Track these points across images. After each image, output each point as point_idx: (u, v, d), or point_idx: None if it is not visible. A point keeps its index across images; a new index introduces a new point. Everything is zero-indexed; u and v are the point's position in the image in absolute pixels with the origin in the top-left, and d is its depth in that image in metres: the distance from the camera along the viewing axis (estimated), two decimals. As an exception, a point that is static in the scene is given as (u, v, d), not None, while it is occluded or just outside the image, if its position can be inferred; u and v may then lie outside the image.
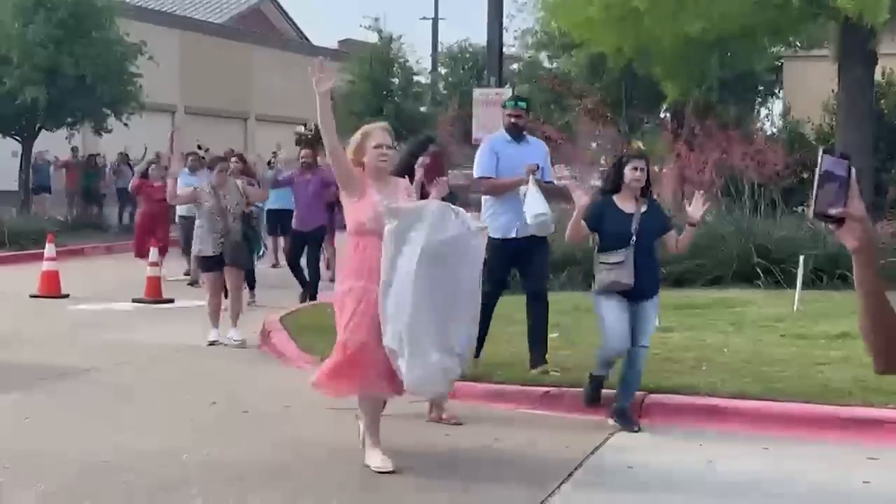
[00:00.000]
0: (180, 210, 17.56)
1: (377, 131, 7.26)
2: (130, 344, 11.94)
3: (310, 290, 15.01)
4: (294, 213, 15.29)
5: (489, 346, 10.59)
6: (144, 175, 18.18)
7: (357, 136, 7.27)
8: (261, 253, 12.59)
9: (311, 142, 16.40)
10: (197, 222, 12.16)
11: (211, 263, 12.01)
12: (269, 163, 18.50)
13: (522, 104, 9.92)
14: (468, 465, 7.22)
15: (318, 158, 14.90)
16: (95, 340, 12.17)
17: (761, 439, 7.87)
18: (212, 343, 11.85)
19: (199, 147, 19.49)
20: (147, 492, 6.60)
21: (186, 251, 17.14)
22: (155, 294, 15.43)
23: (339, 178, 7.17)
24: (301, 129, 17.16)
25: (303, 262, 15.11)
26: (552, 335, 10.94)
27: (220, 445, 7.68)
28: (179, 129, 16.61)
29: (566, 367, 9.48)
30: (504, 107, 10.02)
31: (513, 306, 12.96)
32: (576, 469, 7.18)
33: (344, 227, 7.49)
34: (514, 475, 7.00)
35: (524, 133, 9.90)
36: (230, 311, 12.06)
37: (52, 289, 15.88)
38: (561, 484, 6.86)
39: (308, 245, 15.16)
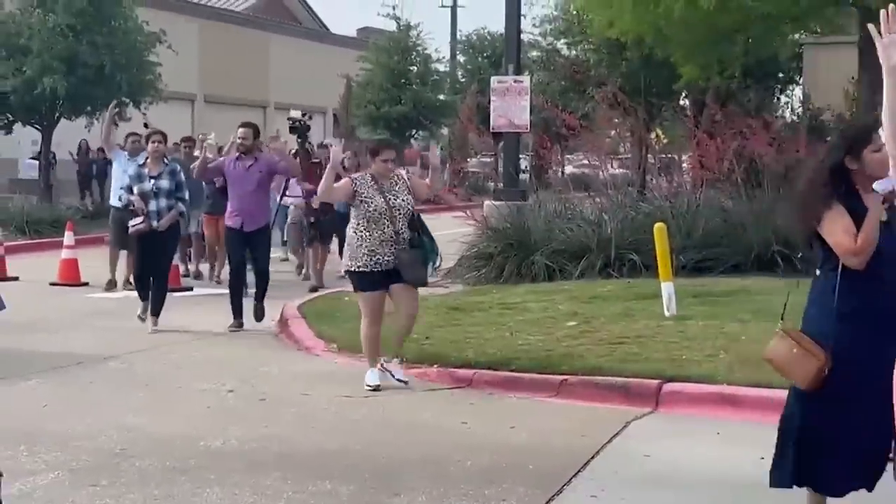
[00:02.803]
0: (114, 199, 15.06)
1: None
2: (148, 331, 11.96)
3: (240, 319, 12.17)
4: (230, 210, 12.25)
5: (501, 334, 10.61)
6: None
7: None
8: (437, 265, 9.50)
9: (303, 131, 14.82)
10: (353, 225, 9.18)
11: (374, 280, 9.08)
12: (220, 149, 15.79)
13: None
14: (486, 452, 7.21)
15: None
16: (113, 328, 12.22)
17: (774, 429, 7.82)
18: (375, 388, 9.04)
19: (146, 126, 15.33)
20: (163, 476, 6.63)
21: (116, 250, 15.28)
22: (173, 282, 15.42)
23: None
24: (297, 113, 14.89)
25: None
26: (570, 324, 10.95)
27: (238, 432, 7.70)
28: (120, 110, 14.82)
29: (581, 356, 9.45)
30: None
31: (525, 296, 12.97)
32: (592, 457, 7.17)
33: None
34: (530, 463, 6.98)
35: None
36: (393, 339, 9.44)
37: (71, 277, 15.93)
38: (578, 472, 6.85)
39: (253, 251, 12.21)
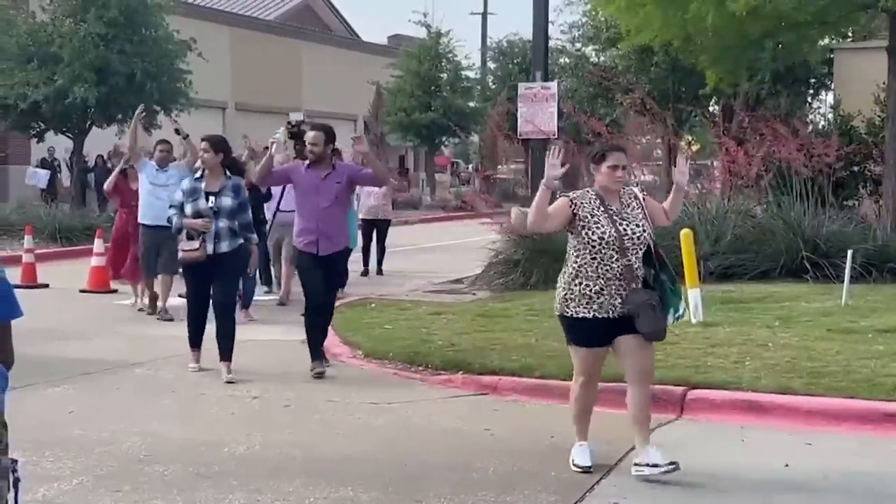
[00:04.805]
0: (144, 217, 13.34)
1: None
2: (175, 339, 11.97)
3: (320, 359, 10.18)
4: (299, 230, 10.17)
5: (527, 341, 10.60)
6: (124, 173, 14.28)
7: None
8: (680, 313, 7.14)
9: (299, 136, 13.88)
10: (570, 258, 6.96)
11: (593, 331, 6.89)
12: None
13: None
14: (509, 459, 7.20)
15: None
16: (141, 335, 12.28)
17: (805, 434, 7.79)
18: (585, 470, 6.95)
19: (178, 132, 13.66)
20: (186, 482, 6.66)
21: (151, 279, 13.62)
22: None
23: None
24: (297, 116, 13.27)
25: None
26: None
27: (262, 438, 7.73)
28: (147, 114, 13.01)
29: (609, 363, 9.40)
30: None
31: (552, 302, 12.96)
32: (616, 464, 7.15)
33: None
34: (553, 470, 6.97)
35: None
36: (633, 421, 6.96)
37: (100, 284, 16.02)
38: (601, 479, 6.83)
39: (329, 280, 10.26)
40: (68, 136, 28.46)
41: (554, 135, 18.66)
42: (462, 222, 29.79)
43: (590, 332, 6.87)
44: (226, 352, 9.97)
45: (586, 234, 6.85)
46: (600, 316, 6.81)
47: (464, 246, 21.21)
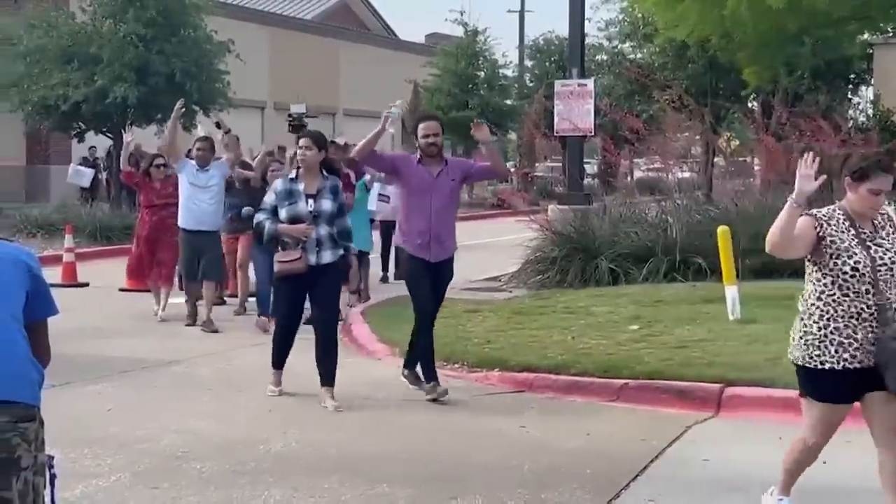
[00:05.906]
0: (186, 222, 12.67)
1: None
2: (213, 337, 12.07)
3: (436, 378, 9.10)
4: (408, 232, 9.09)
5: (563, 338, 10.59)
6: (137, 165, 13.40)
7: None
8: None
9: (301, 128, 13.14)
10: (814, 292, 5.65)
11: (842, 385, 5.59)
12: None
13: None
14: (544, 456, 7.20)
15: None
16: (178, 333, 12.34)
17: (843, 432, 7.69)
18: None
19: (219, 126, 13.08)
20: (223, 479, 6.71)
21: (196, 284, 12.86)
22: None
23: None
24: (300, 108, 12.43)
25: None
26: (632, 327, 10.90)
27: (298, 436, 7.77)
28: (186, 109, 12.21)
29: (643, 360, 9.39)
30: None
31: (588, 300, 12.94)
32: (652, 461, 7.14)
33: None
34: (588, 468, 6.96)
35: None
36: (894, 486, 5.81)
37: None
38: (636, 476, 6.82)
39: (436, 289, 9.16)
40: (108, 136, 28.66)
41: (591, 132, 18.62)
42: (499, 220, 29.78)
43: (837, 386, 5.58)
44: (329, 376, 8.90)
45: (835, 263, 5.54)
46: (851, 367, 5.50)
47: (501, 244, 21.17)
